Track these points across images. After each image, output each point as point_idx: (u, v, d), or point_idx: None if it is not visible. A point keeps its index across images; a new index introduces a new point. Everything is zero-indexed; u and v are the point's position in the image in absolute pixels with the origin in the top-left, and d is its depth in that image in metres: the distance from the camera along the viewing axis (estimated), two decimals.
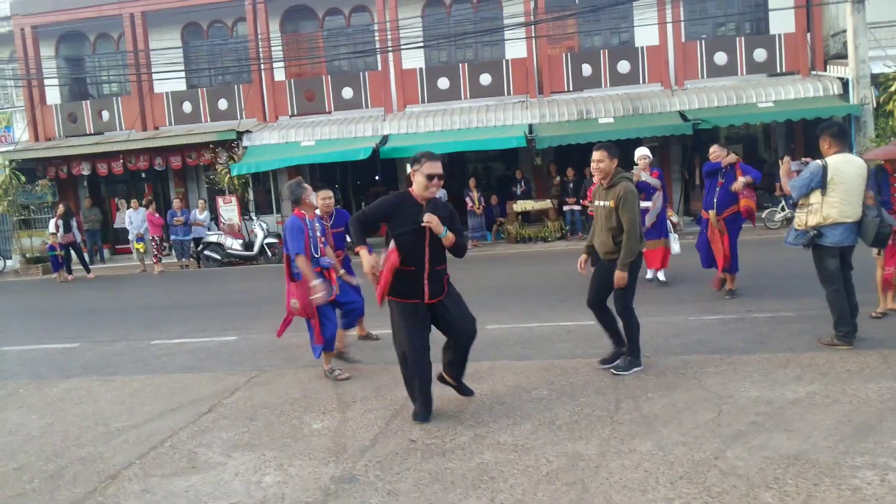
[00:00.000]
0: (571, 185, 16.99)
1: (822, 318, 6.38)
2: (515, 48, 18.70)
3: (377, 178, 20.63)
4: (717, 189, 8.56)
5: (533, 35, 18.20)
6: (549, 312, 8.40)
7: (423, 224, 4.58)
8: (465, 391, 5.22)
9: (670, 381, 5.34)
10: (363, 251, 4.68)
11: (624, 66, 18.21)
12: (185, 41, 20.52)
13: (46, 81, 20.92)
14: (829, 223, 5.80)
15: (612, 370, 5.61)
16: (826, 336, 6.06)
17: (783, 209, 15.48)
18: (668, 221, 9.46)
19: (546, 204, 17.61)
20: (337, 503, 3.75)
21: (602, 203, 5.67)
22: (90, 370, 7.29)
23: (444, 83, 18.87)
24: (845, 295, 5.93)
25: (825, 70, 17.42)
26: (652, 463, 3.92)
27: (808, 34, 17.62)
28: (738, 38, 18.07)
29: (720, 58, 17.93)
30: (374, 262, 4.62)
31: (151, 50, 19.95)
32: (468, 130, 17.52)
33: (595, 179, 5.85)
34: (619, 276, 5.49)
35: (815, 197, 5.83)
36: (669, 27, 17.89)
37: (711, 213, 8.60)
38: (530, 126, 17.20)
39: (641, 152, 9.59)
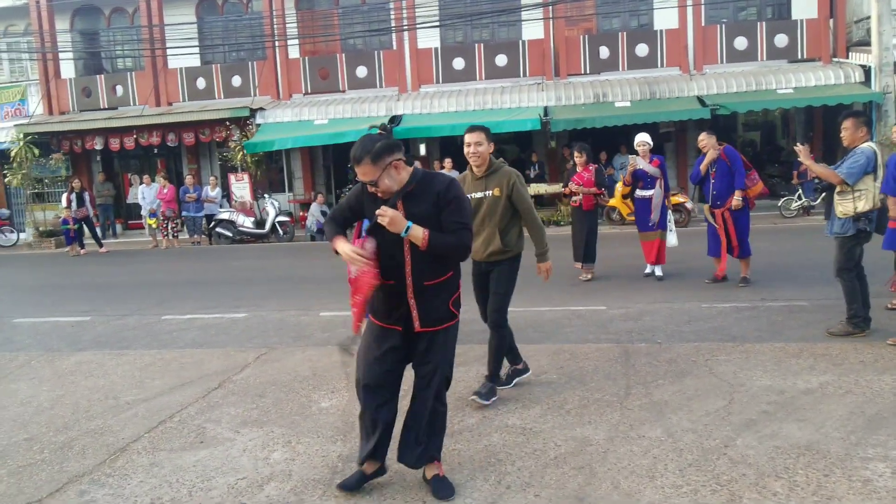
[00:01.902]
0: (598, 165, 16.86)
1: (837, 309, 6.31)
2: (532, 29, 18.52)
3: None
4: (711, 181, 8.32)
5: (551, 16, 18.00)
6: (560, 296, 8.36)
7: (376, 221, 3.27)
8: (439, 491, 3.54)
9: (681, 367, 5.30)
10: (339, 242, 3.41)
11: (642, 50, 18.01)
12: (200, 17, 20.44)
13: (61, 55, 20.91)
14: (874, 209, 5.75)
15: (474, 397, 4.74)
16: (836, 326, 6.00)
17: (799, 197, 15.31)
18: (668, 212, 9.11)
19: (559, 188, 17.48)
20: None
21: (484, 194, 4.78)
22: (101, 344, 7.32)
23: (459, 63, 18.74)
24: (860, 284, 5.90)
25: (847, 57, 17.15)
26: (661, 450, 3.89)
27: (831, 20, 17.34)
28: (759, 23, 17.81)
29: (740, 43, 17.70)
30: (351, 248, 3.33)
31: (166, 25, 19.90)
32: (482, 112, 17.39)
33: (473, 166, 4.85)
34: (546, 266, 5.00)
35: (867, 182, 5.73)
36: (689, 10, 17.67)
37: (706, 206, 8.48)
38: (545, 108, 17.08)
39: (641, 138, 9.22)
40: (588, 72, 18.25)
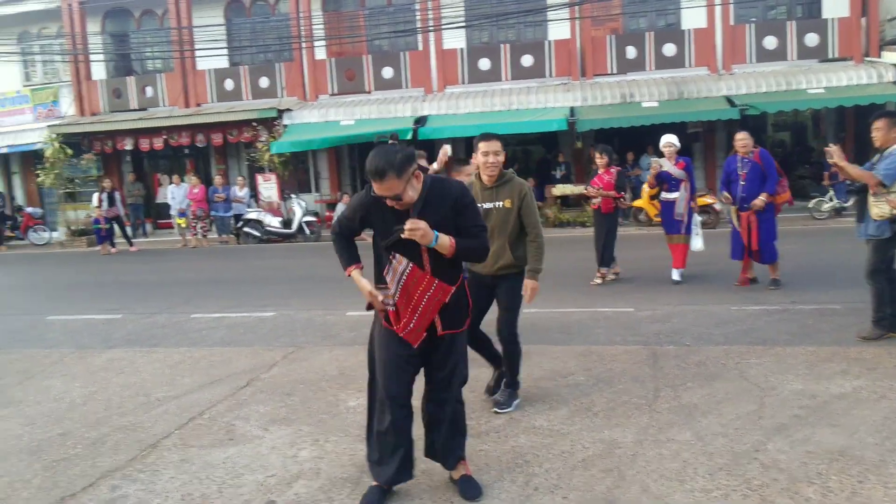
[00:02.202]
0: (621, 168, 16.73)
1: (870, 312, 6.20)
2: (558, 29, 18.45)
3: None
4: (742, 183, 8.10)
5: (577, 16, 17.92)
6: (587, 298, 8.32)
7: (402, 236, 3.17)
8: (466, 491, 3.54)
9: (711, 370, 5.24)
10: (355, 274, 3.44)
11: (670, 49, 17.86)
12: (228, 18, 20.64)
13: (92, 57, 21.24)
14: None
15: (495, 409, 4.66)
16: (867, 329, 5.89)
17: (831, 199, 15.08)
18: (694, 216, 8.92)
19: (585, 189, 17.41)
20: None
21: (494, 205, 4.59)
22: (132, 341, 7.43)
23: (484, 64, 18.72)
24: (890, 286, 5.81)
25: (880, 56, 16.87)
26: (691, 453, 3.86)
27: (864, 19, 17.06)
28: (788, 23, 17.57)
29: (770, 42, 17.48)
30: (372, 290, 3.36)
31: (195, 27, 20.12)
32: (508, 112, 17.36)
33: (486, 175, 4.63)
34: (534, 286, 4.65)
35: None
36: (718, 10, 17.48)
37: (733, 208, 8.27)
38: (572, 109, 16.99)
39: (667, 140, 8.93)
40: (615, 72, 18.14)
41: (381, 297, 3.34)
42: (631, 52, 18.04)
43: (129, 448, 4.41)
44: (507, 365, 4.74)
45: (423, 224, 3.14)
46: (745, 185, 8.08)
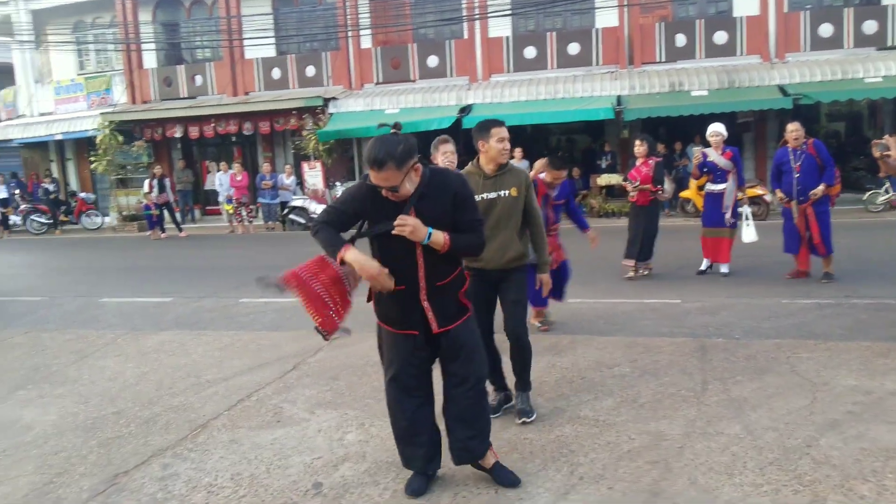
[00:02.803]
0: (661, 159, 16.43)
1: None
2: (606, 17, 18.19)
3: (459, 148, 20.58)
4: (796, 175, 7.86)
5: (625, 3, 17.64)
6: (633, 289, 8.23)
7: (393, 232, 3.11)
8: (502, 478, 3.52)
9: (761, 364, 5.14)
10: (352, 253, 3.20)
11: (721, 37, 17.46)
12: (276, 8, 20.84)
13: (144, 46, 21.68)
14: None
15: (522, 419, 4.31)
16: None
17: (887, 191, 14.62)
18: (745, 208, 8.65)
19: None
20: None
21: (498, 194, 4.27)
22: (182, 324, 7.59)
23: (530, 52, 18.57)
24: None
25: None
26: (740, 447, 3.80)
27: None
28: (845, 10, 17.02)
29: (825, 30, 16.96)
30: (381, 269, 3.22)
31: (243, 16, 20.37)
32: (554, 101, 17.20)
33: (494, 164, 4.29)
34: (546, 280, 4.54)
35: None
36: None
37: (793, 203, 7.98)
38: (618, 98, 16.76)
39: (714, 129, 8.63)
40: (663, 60, 17.82)
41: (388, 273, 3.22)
42: (680, 39, 17.69)
43: (180, 428, 4.52)
44: (519, 365, 4.43)
45: (412, 220, 3.10)
46: (800, 177, 7.86)
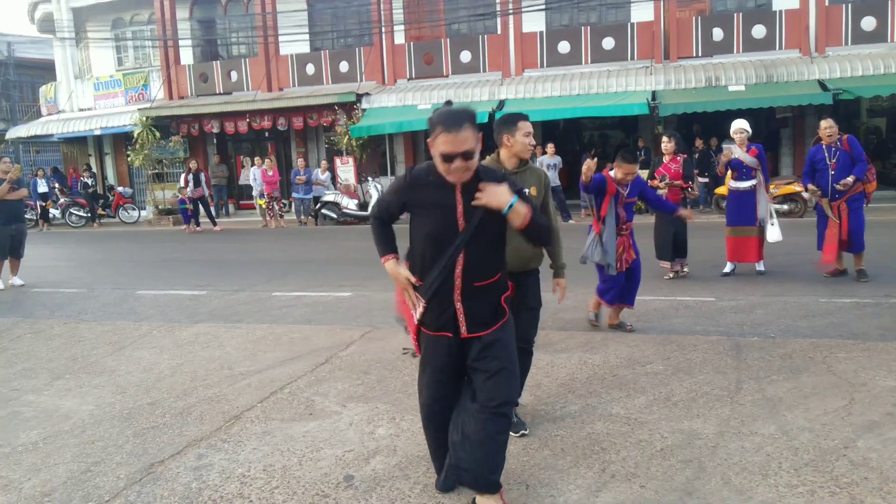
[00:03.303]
0: (697, 155, 16.23)
1: None
2: (642, 11, 18.00)
3: (491, 143, 20.55)
4: (831, 173, 7.70)
5: None
6: (666, 286, 8.15)
7: (474, 203, 2.92)
8: None
9: (797, 364, 5.05)
10: (390, 264, 3.20)
11: (759, 31, 17.17)
12: (311, 4, 20.98)
13: (181, 43, 22.00)
14: None
15: (521, 432, 4.06)
16: None
17: None
18: (770, 206, 8.39)
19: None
20: None
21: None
22: (216, 317, 7.69)
23: (564, 47, 18.44)
24: None
25: None
26: (775, 447, 3.73)
27: None
28: (890, 2, 16.59)
29: (868, 23, 16.57)
30: (409, 277, 3.14)
31: (278, 12, 20.54)
32: (587, 97, 17.08)
33: (517, 159, 4.12)
34: (564, 284, 4.38)
35: None
36: None
37: (825, 200, 7.83)
38: (654, 93, 16.59)
39: (738, 125, 8.45)
40: (700, 55, 17.57)
41: (413, 280, 3.12)
42: (717, 33, 17.42)
43: (214, 419, 4.58)
44: (522, 375, 4.16)
45: (493, 186, 2.91)
46: (836, 175, 7.71)
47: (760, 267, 8.48)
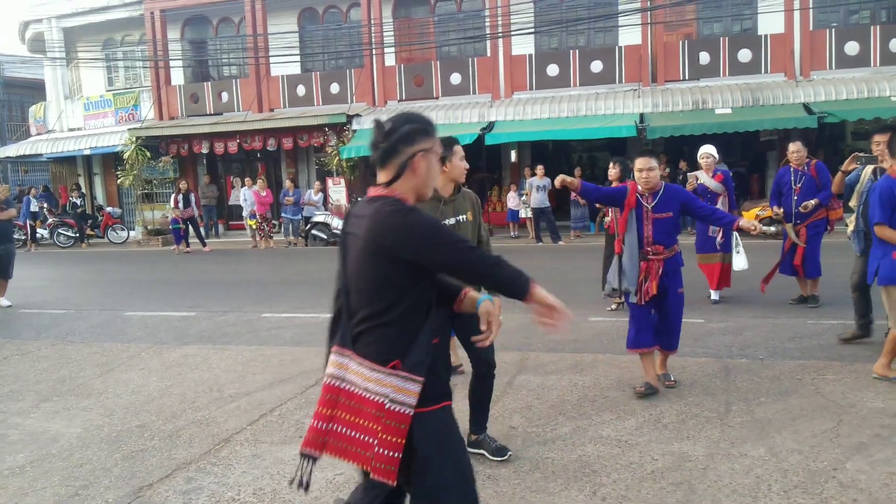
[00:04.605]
0: (682, 177, 16.36)
1: None
2: (629, 35, 18.21)
3: (480, 164, 20.66)
4: (795, 197, 7.60)
5: (649, 21, 17.66)
6: None
7: (480, 344, 2.39)
8: None
9: (785, 385, 5.09)
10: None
11: (745, 55, 17.39)
12: (302, 26, 21.12)
13: (172, 63, 22.05)
14: None
15: (508, 455, 4.02)
16: None
17: None
18: (734, 233, 8.00)
19: None
20: None
21: (458, 219, 3.99)
22: (205, 338, 7.66)
23: (553, 70, 18.62)
24: None
25: None
26: (764, 469, 3.75)
27: None
28: (872, 27, 16.90)
29: (851, 48, 16.84)
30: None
31: (269, 34, 20.66)
32: (576, 119, 17.23)
33: (450, 185, 4.00)
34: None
35: None
36: (797, 14, 16.94)
37: (789, 225, 7.72)
38: (642, 115, 16.75)
39: (704, 150, 8.26)
40: (687, 78, 17.78)
41: None
42: (704, 57, 17.65)
43: (203, 442, 4.56)
44: (487, 397, 4.10)
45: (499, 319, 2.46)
46: (799, 199, 7.61)
47: (714, 296, 8.25)
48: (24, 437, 4.84)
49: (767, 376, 5.31)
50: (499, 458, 4.00)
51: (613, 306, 8.05)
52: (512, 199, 17.56)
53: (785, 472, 3.71)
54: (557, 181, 5.12)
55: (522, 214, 16.94)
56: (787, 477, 3.65)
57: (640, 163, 4.94)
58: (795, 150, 7.71)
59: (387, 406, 2.21)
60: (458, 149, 3.96)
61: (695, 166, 16.55)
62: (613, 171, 8.28)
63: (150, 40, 21.66)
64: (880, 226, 5.00)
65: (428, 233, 2.23)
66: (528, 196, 16.25)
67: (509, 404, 4.95)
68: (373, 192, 2.33)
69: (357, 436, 2.26)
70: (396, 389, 2.22)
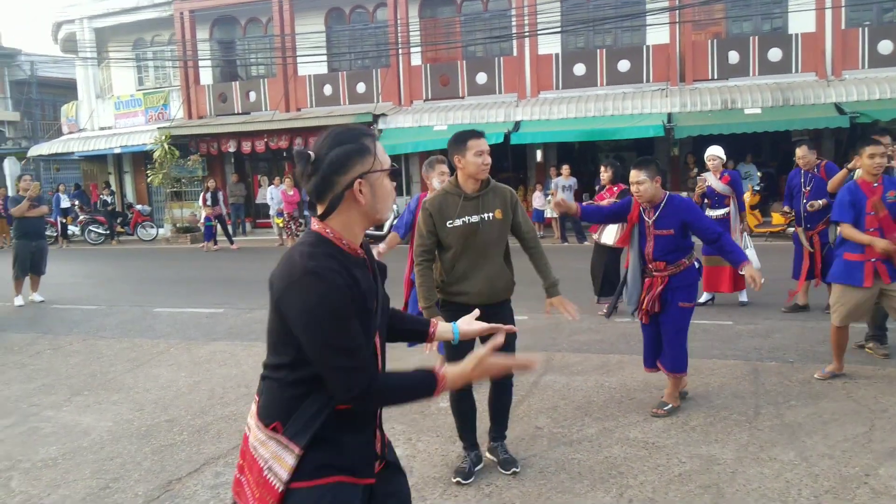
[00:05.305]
0: (692, 178, 16.18)
1: None
2: (657, 34, 18.05)
3: (506, 164, 20.63)
4: (805, 200, 7.38)
5: (677, 20, 17.50)
6: None
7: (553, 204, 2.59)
8: None
9: (816, 389, 5.02)
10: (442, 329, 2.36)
11: (775, 54, 17.17)
12: (329, 26, 21.23)
13: (201, 63, 22.30)
14: None
15: (512, 470, 3.85)
16: None
17: None
18: (744, 235, 8.02)
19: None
20: (463, 482, 3.78)
21: (482, 217, 3.74)
22: (234, 335, 7.73)
23: (580, 69, 18.53)
24: None
25: None
26: (794, 473, 3.71)
27: None
28: None
29: (885, 46, 16.54)
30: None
31: (297, 34, 20.80)
32: (603, 118, 17.13)
33: (473, 182, 3.79)
34: (561, 300, 3.87)
35: None
36: (828, 13, 16.69)
37: (800, 229, 7.52)
38: (669, 115, 16.61)
39: (711, 152, 8.10)
40: (715, 77, 17.60)
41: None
42: (733, 56, 17.46)
43: (231, 437, 4.60)
44: (502, 408, 3.99)
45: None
46: (808, 201, 7.38)
47: (742, 297, 8.12)
48: (57, 430, 4.93)
49: (798, 380, 5.25)
50: (504, 472, 3.85)
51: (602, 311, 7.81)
52: (537, 199, 17.50)
53: (815, 476, 3.66)
54: (553, 205, 4.92)
55: (548, 214, 16.88)
56: (817, 482, 3.60)
57: (631, 175, 4.68)
58: (802, 155, 7.50)
59: (264, 473, 1.87)
60: (474, 143, 3.68)
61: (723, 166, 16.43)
62: (605, 175, 8.16)
63: (180, 40, 21.92)
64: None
65: (310, 315, 1.78)
66: (554, 196, 16.17)
67: (535, 404, 4.94)
68: (312, 223, 1.96)
69: (250, 495, 1.92)
70: (274, 456, 1.86)
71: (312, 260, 1.81)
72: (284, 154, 21.49)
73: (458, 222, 3.73)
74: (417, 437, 4.44)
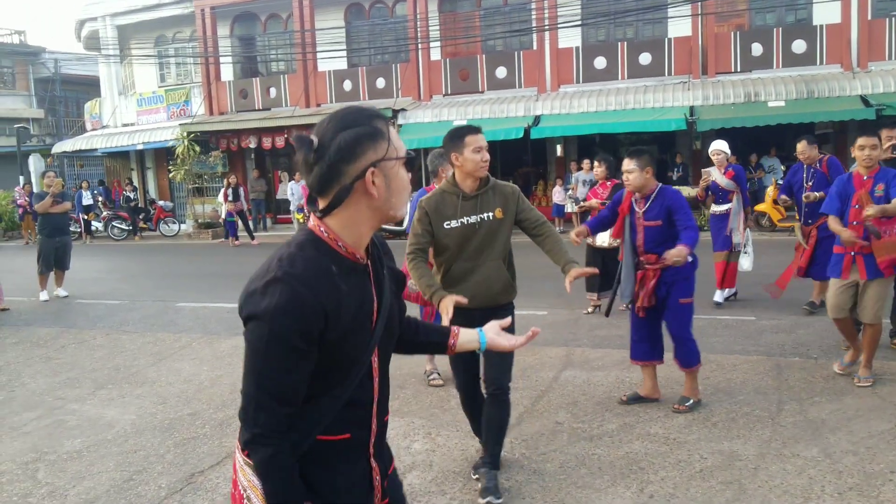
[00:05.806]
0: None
1: None
2: (679, 26, 17.88)
3: (526, 159, 20.56)
4: (804, 196, 7.17)
5: (700, 12, 17.32)
6: (704, 305, 8.02)
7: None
8: None
9: (840, 385, 4.96)
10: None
11: (799, 46, 16.94)
12: (348, 21, 21.27)
13: (221, 59, 22.44)
14: None
15: (488, 500, 3.44)
16: None
17: None
18: (747, 232, 7.85)
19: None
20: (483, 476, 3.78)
21: (481, 217, 3.56)
22: None
23: (600, 63, 18.41)
24: None
25: None
26: (817, 470, 3.67)
27: None
28: None
29: None
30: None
31: (317, 30, 20.86)
32: (624, 112, 17.00)
33: (472, 180, 3.61)
34: (578, 273, 3.50)
35: None
36: (854, 3, 16.43)
37: (797, 224, 7.38)
38: (691, 108, 16.45)
39: (716, 146, 7.93)
40: (738, 70, 17.40)
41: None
42: (757, 48, 17.25)
43: None
44: (495, 427, 3.63)
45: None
46: (805, 193, 7.18)
47: (718, 297, 7.90)
48: (82, 422, 5.00)
49: (821, 376, 5.18)
50: (480, 499, 3.47)
51: (590, 309, 7.75)
52: (557, 194, 17.44)
53: (839, 473, 3.62)
54: (573, 236, 4.73)
55: (568, 209, 16.80)
56: (841, 479, 3.56)
57: (623, 164, 4.64)
58: (802, 150, 7.29)
59: (244, 502, 1.70)
60: (472, 139, 3.50)
61: (746, 161, 16.26)
62: (599, 170, 8.04)
63: (201, 37, 22.07)
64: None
65: (256, 330, 1.56)
66: (574, 190, 16.12)
67: (555, 399, 4.93)
68: (310, 220, 1.70)
69: None
70: (251, 485, 1.66)
71: (290, 266, 1.58)
72: None
73: (456, 223, 3.55)
74: (437, 431, 4.45)
